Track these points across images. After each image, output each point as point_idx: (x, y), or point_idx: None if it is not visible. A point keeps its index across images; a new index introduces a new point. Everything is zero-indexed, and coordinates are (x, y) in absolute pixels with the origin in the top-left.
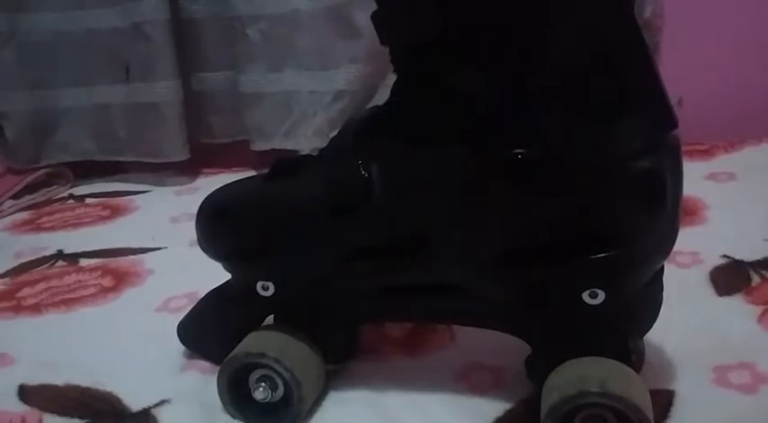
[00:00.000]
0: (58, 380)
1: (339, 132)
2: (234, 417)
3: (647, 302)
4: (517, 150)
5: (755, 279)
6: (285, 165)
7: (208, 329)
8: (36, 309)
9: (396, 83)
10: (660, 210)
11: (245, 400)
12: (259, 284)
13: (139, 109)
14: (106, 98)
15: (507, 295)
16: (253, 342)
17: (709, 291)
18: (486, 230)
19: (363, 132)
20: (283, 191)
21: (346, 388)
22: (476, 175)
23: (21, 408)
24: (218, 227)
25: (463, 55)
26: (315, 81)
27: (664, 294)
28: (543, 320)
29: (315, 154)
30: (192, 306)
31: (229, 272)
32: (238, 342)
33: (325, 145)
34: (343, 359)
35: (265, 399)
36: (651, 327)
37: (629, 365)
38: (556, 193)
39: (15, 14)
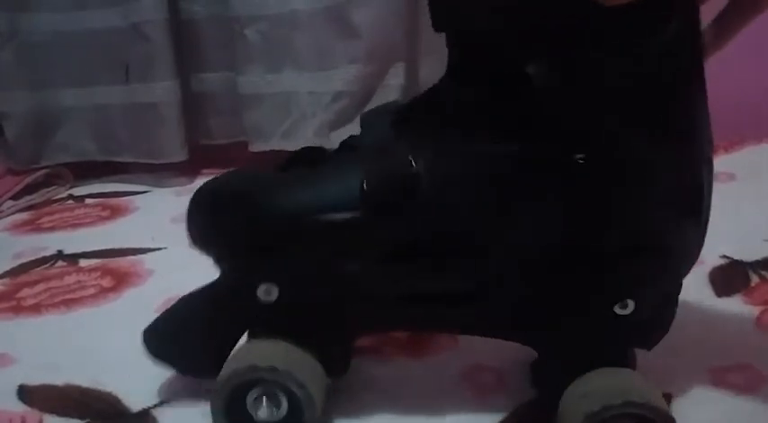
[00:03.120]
0: (58, 380)
1: (365, 127)
2: None
3: (667, 315)
4: (578, 155)
5: (754, 279)
6: (307, 155)
7: (187, 339)
8: (36, 309)
9: (448, 72)
10: (698, 221)
11: (241, 420)
12: (261, 288)
13: (138, 109)
14: (106, 98)
15: (537, 304)
16: (253, 354)
17: (708, 291)
18: (533, 235)
19: (404, 125)
20: (310, 182)
21: (348, 388)
22: (532, 175)
23: (21, 408)
24: (222, 215)
25: (537, 46)
26: (314, 82)
27: None
28: (568, 332)
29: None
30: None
31: (226, 272)
32: (226, 354)
33: (328, 144)
34: (342, 373)
35: (269, 418)
36: (661, 338)
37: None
38: (605, 200)
39: (15, 14)
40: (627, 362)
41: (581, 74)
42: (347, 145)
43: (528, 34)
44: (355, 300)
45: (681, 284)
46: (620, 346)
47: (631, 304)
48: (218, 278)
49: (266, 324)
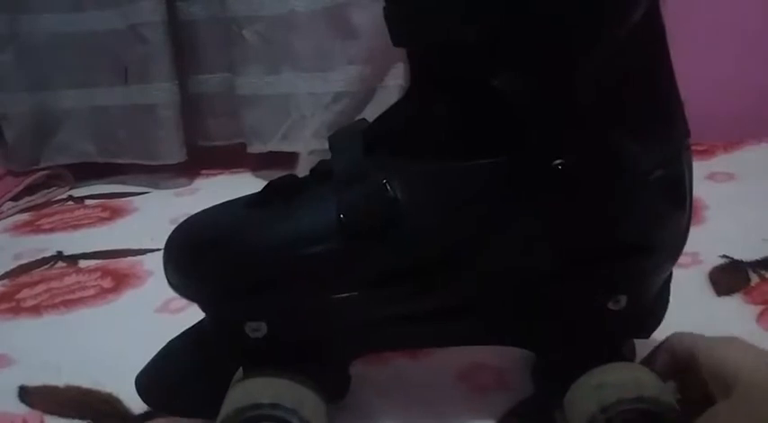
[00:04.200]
0: (59, 381)
1: (336, 151)
2: None
3: (660, 304)
4: (556, 161)
5: (754, 279)
6: (277, 187)
7: (180, 381)
8: (36, 310)
9: (412, 86)
10: (681, 215)
11: None
12: (249, 326)
13: (137, 111)
14: (105, 100)
15: (532, 309)
16: (253, 391)
17: (708, 291)
18: (519, 243)
19: (375, 147)
20: (283, 216)
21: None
22: (512, 185)
23: (21, 409)
24: (201, 262)
25: (505, 56)
26: (313, 82)
27: None
28: (565, 332)
29: (305, 175)
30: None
31: (209, 313)
32: (220, 392)
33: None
34: (342, 396)
35: None
36: (657, 327)
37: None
38: (589, 203)
39: (15, 16)
40: (627, 353)
41: (552, 77)
42: (320, 172)
43: (492, 42)
44: (345, 328)
45: (671, 273)
46: (617, 338)
47: (624, 299)
48: (205, 318)
49: (258, 360)
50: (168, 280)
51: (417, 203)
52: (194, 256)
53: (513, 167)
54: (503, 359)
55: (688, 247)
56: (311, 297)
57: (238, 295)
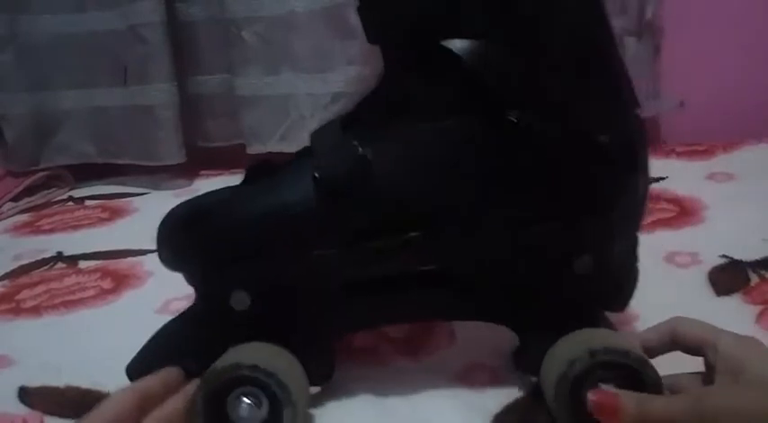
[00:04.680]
0: (59, 382)
1: (315, 138)
2: None
3: (628, 273)
4: (512, 116)
5: (754, 279)
6: (260, 168)
7: (173, 363)
8: (36, 311)
9: (385, 65)
10: (633, 178)
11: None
12: (233, 297)
13: (136, 112)
14: (105, 101)
15: (500, 276)
16: (236, 354)
17: (707, 291)
18: (482, 199)
19: (350, 123)
20: (266, 188)
21: (347, 388)
22: (473, 142)
23: (21, 409)
24: (187, 233)
25: (467, 27)
26: (312, 83)
27: (659, 293)
28: (534, 300)
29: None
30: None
31: (198, 287)
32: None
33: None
34: (326, 379)
35: (249, 418)
36: (631, 299)
37: None
38: (546, 159)
39: (15, 16)
40: (600, 324)
41: (507, 43)
42: (301, 153)
43: (455, 14)
44: (326, 298)
45: (636, 246)
46: (589, 309)
47: (589, 260)
48: (193, 302)
49: (244, 333)
50: (159, 256)
51: (386, 163)
52: (182, 228)
53: (472, 125)
54: (501, 359)
55: (687, 247)
56: (291, 258)
57: (223, 264)
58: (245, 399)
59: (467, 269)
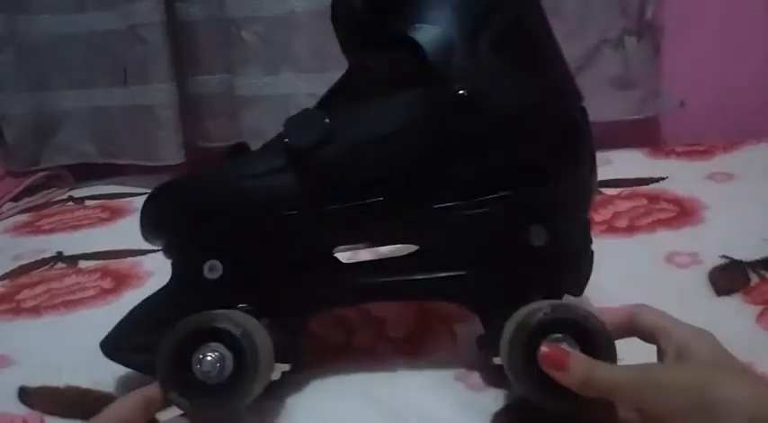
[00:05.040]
0: (59, 381)
1: (286, 121)
2: (175, 401)
3: (582, 251)
4: (459, 88)
5: (754, 279)
6: (236, 150)
7: (146, 338)
8: (36, 311)
9: (350, 55)
10: (578, 151)
11: (184, 381)
12: (206, 266)
13: (136, 112)
14: (105, 101)
15: (457, 241)
16: (201, 315)
17: (707, 291)
18: (437, 168)
19: (319, 104)
20: (238, 160)
21: (347, 388)
22: (426, 115)
23: (22, 410)
24: (166, 204)
25: (417, 13)
26: (312, 83)
27: (659, 293)
28: (493, 271)
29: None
30: None
31: (174, 257)
32: None
33: None
34: (290, 359)
35: (211, 374)
36: (587, 282)
37: None
38: (491, 131)
39: (14, 16)
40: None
41: (455, 28)
42: (272, 138)
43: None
44: (295, 268)
45: (589, 228)
46: (545, 283)
47: (542, 231)
48: (170, 279)
49: (217, 303)
50: (141, 230)
51: (349, 131)
52: (159, 199)
53: (424, 98)
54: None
55: (687, 248)
56: (261, 223)
57: (196, 232)
58: (210, 353)
59: (425, 241)
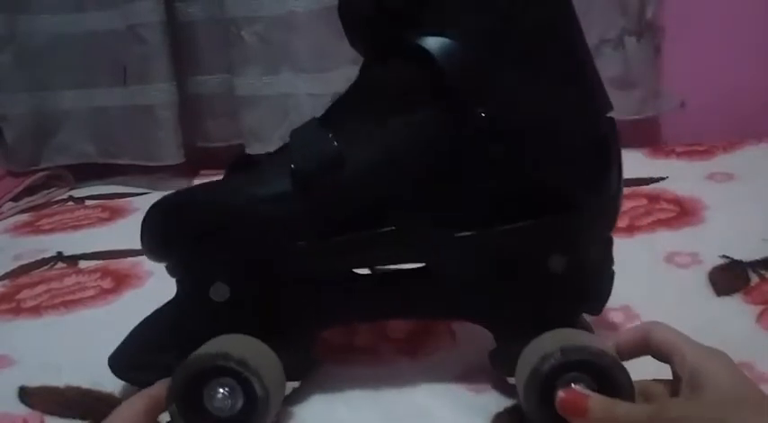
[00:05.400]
0: (59, 381)
1: (294, 136)
2: None
3: (603, 275)
4: (479, 109)
5: (754, 279)
6: (241, 162)
7: (153, 354)
8: (36, 311)
9: (362, 67)
10: (606, 176)
11: (195, 415)
12: (213, 289)
13: (136, 112)
14: (105, 101)
15: (475, 268)
16: (219, 344)
17: (707, 291)
18: (455, 194)
19: (326, 120)
20: (244, 180)
21: (347, 388)
22: (443, 137)
23: (22, 409)
24: (171, 225)
25: (434, 21)
26: (312, 83)
27: (659, 293)
28: (509, 299)
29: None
30: None
31: (180, 277)
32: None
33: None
34: (302, 375)
35: (223, 408)
36: (607, 301)
37: None
38: (514, 156)
39: (14, 16)
40: (576, 326)
41: (474, 39)
42: (280, 150)
43: (428, 11)
44: (302, 289)
45: (611, 247)
46: (564, 310)
47: (563, 260)
48: (175, 295)
49: (224, 325)
50: (143, 248)
51: (358, 154)
52: (162, 218)
53: (441, 120)
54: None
55: (687, 248)
56: (269, 250)
57: (202, 255)
58: (221, 389)
59: (441, 267)
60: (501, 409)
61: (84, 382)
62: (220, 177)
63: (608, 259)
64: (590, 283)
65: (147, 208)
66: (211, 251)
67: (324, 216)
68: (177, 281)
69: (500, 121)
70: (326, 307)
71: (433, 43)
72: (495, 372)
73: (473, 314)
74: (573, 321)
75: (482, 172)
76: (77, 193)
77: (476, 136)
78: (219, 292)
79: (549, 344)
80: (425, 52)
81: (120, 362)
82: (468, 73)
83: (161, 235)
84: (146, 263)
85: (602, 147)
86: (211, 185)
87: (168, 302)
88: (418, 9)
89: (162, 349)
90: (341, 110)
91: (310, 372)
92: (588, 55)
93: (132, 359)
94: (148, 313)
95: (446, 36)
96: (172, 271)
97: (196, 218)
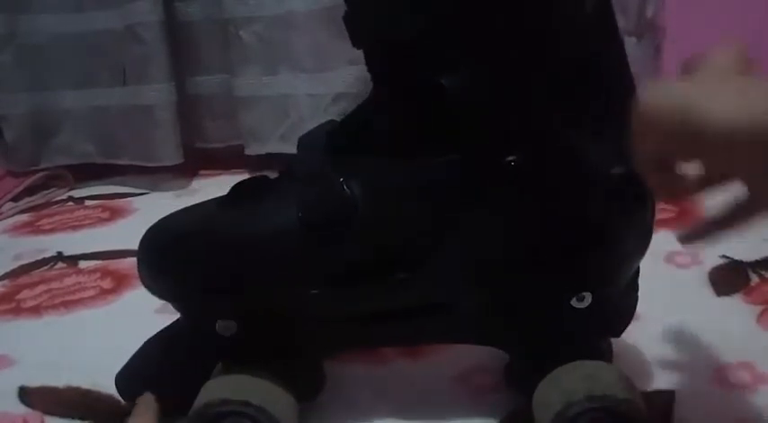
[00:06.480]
0: (59, 382)
1: (301, 150)
2: None
3: (627, 303)
4: (509, 157)
5: (754, 279)
6: (246, 188)
7: (159, 377)
8: (36, 311)
9: (373, 89)
10: (641, 211)
11: None
12: (219, 325)
13: (135, 112)
14: (104, 101)
15: (496, 306)
16: (226, 387)
17: (708, 291)
18: (477, 240)
19: (336, 146)
20: (250, 216)
21: (347, 388)
22: (466, 183)
23: (22, 409)
24: (171, 261)
25: (454, 53)
26: (312, 84)
27: (659, 293)
28: (530, 329)
29: (276, 175)
30: None
31: (181, 312)
32: (196, 386)
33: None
34: (315, 395)
35: None
36: (628, 325)
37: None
38: (545, 199)
39: (14, 16)
40: (598, 354)
41: (501, 75)
42: (286, 173)
43: (439, 41)
44: (314, 326)
45: (638, 271)
46: (585, 338)
47: (588, 297)
48: (180, 317)
49: (231, 357)
50: (142, 281)
51: (374, 201)
52: (164, 255)
53: (465, 164)
54: (501, 362)
55: (688, 247)
56: (277, 295)
57: (208, 294)
58: None
59: (457, 305)
60: (501, 409)
61: (84, 383)
62: (220, 177)
63: (633, 290)
64: (613, 315)
65: (146, 208)
66: (214, 291)
67: (331, 264)
68: (179, 311)
69: (531, 170)
70: (338, 337)
71: (454, 82)
72: (507, 386)
73: (492, 341)
74: (595, 349)
75: (510, 223)
76: (77, 193)
77: (503, 186)
78: (226, 327)
79: (572, 383)
80: (445, 89)
81: (125, 389)
82: (494, 114)
83: (158, 272)
84: None
85: (638, 184)
86: (214, 215)
87: (173, 324)
88: (435, 41)
89: (169, 373)
90: (352, 141)
91: (320, 391)
92: (630, 81)
93: (139, 378)
94: (148, 313)
95: (469, 73)
96: (173, 305)
97: (195, 256)
